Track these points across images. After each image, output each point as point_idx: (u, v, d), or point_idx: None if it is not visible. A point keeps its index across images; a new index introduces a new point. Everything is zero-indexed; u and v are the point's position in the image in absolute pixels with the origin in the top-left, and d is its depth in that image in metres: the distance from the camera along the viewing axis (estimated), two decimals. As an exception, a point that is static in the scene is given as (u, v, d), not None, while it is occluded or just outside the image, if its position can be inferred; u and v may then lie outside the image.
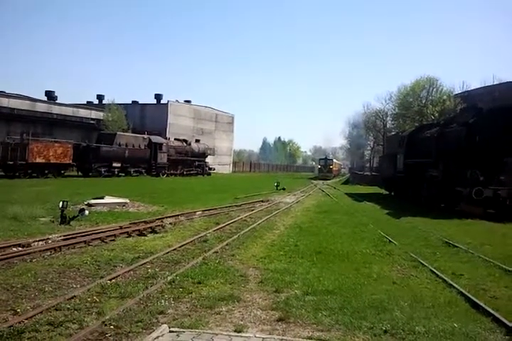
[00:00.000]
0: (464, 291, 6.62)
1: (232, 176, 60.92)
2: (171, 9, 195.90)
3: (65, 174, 34.53)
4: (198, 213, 15.40)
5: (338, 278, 7.32)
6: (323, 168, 70.36)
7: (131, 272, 7.40)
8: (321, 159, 76.05)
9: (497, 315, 5.53)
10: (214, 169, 56.98)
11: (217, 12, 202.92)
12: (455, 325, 5.24)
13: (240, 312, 5.65)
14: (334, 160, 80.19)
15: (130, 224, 12.19)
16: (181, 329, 4.77)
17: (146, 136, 43.37)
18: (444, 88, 51.51)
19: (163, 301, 5.85)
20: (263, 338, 4.62)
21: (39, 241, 9.28)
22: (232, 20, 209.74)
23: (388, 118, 63.95)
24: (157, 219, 13.29)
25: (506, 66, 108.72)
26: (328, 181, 58.03)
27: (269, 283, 6.92)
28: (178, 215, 14.44)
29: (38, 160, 31.41)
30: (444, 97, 49.98)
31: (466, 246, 10.46)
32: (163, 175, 43.51)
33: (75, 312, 5.36)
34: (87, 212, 12.78)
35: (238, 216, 15.28)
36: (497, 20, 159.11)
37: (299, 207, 20.45)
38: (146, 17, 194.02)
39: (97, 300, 5.83)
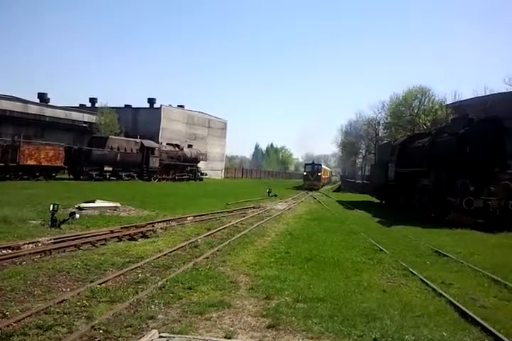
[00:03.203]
0: (453, 300, 6.65)
1: (224, 182, 60.86)
2: (165, 13, 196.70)
3: (56, 177, 34.40)
4: (189, 218, 15.38)
5: (329, 285, 7.32)
6: (310, 175, 55.32)
7: (122, 277, 7.36)
8: (307, 164, 61.40)
9: (485, 324, 5.56)
10: (206, 174, 56.88)
11: (211, 16, 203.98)
12: (444, 333, 5.27)
13: (230, 318, 5.64)
14: (324, 166, 66.74)
15: (121, 228, 12.12)
16: (171, 335, 4.75)
17: (138, 140, 43.27)
18: (436, 98, 52.12)
19: (153, 306, 5.84)
20: (253, 345, 4.62)
21: (29, 243, 9.22)
22: (227, 25, 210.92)
23: (380, 127, 64.48)
24: (148, 224, 13.23)
25: (498, 77, 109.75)
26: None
27: (259, 289, 6.91)
28: (169, 220, 14.39)
29: (30, 162, 31.26)
30: (436, 107, 50.51)
31: (456, 256, 10.51)
32: (154, 180, 43.38)
33: (65, 316, 5.33)
34: (77, 216, 12.70)
35: (229, 222, 15.27)
36: (490, 31, 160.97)
37: (290, 214, 20.46)
38: (139, 21, 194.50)
39: (87, 304, 5.80)
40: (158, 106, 62.38)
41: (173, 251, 9.71)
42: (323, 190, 52.37)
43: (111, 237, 10.83)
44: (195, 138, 67.18)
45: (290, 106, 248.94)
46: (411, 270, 8.79)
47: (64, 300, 5.85)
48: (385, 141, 51.32)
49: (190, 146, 53.97)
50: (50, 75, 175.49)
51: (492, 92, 41.67)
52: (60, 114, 51.21)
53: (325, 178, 67.48)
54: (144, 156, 42.36)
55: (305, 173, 57.28)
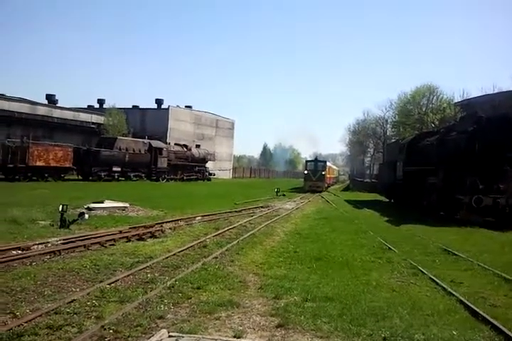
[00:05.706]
0: (463, 299, 6.62)
1: (232, 182, 60.90)
2: (172, 14, 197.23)
3: (65, 177, 34.52)
4: (197, 218, 15.42)
5: (338, 285, 7.31)
6: (312, 174, 44.87)
7: (131, 276, 7.39)
8: (308, 161, 50.57)
9: (496, 323, 5.53)
10: (214, 174, 56.93)
11: (218, 17, 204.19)
12: (454, 332, 5.24)
13: (239, 317, 5.64)
14: (329, 164, 54.55)
15: (130, 228, 12.17)
16: (180, 334, 4.76)
17: (146, 141, 43.38)
18: (444, 96, 51.79)
19: (162, 306, 5.85)
20: (262, 344, 4.62)
21: (39, 244, 9.30)
22: (234, 25, 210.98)
23: (388, 125, 64.21)
24: (157, 224, 13.27)
25: (505, 75, 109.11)
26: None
27: (268, 289, 6.91)
28: (177, 220, 14.45)
29: (38, 163, 31.44)
30: (444, 105, 50.23)
31: (465, 254, 10.45)
32: (163, 180, 43.45)
33: (75, 316, 5.36)
34: (86, 216, 12.77)
35: (238, 221, 15.28)
36: (497, 29, 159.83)
37: (298, 213, 20.45)
38: (146, 22, 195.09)
39: (97, 304, 5.83)
40: (166, 107, 62.52)
41: (182, 250, 9.74)
42: (331, 190, 51.88)
43: (120, 237, 10.87)
44: (203, 138, 67.27)
45: (296, 107, 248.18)
46: (420, 269, 8.76)
47: (74, 300, 5.89)
48: (393, 140, 51.04)
49: (198, 146, 54.02)
50: (57, 77, 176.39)
51: (500, 90, 41.42)
52: (69, 115, 51.40)
53: (330, 178, 56.27)
54: (152, 157, 42.45)
55: (306, 172, 46.55)
